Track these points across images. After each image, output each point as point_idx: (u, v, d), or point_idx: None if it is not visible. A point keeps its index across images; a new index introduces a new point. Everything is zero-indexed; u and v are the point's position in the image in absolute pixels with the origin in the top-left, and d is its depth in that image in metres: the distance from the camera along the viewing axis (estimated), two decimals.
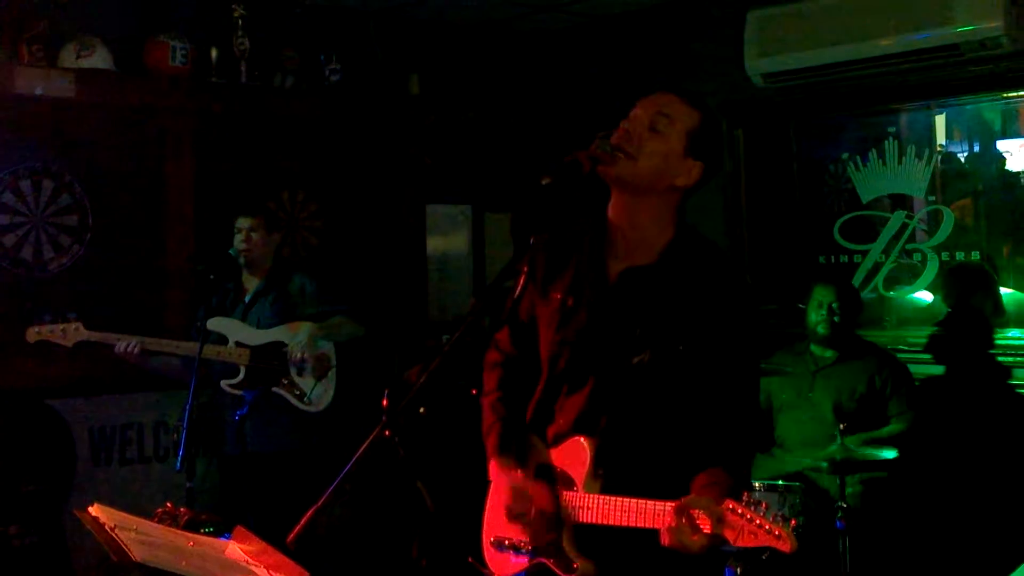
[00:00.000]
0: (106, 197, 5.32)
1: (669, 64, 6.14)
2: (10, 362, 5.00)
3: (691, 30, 6.04)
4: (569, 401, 2.56)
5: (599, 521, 2.42)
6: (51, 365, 5.10)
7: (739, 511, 2.16)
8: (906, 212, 5.31)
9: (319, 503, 2.27)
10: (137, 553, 2.02)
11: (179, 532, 2.46)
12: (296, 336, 4.79)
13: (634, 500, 2.36)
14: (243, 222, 4.92)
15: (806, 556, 4.28)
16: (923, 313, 5.25)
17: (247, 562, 2.26)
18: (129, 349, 4.58)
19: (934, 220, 5.22)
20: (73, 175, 5.24)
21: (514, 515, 2.56)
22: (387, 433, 2.26)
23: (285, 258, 5.08)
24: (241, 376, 4.75)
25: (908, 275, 5.30)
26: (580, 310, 2.56)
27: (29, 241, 5.15)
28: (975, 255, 5.09)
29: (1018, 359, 4.83)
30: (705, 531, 2.19)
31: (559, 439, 2.57)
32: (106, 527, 2.13)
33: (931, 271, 5.20)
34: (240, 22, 5.55)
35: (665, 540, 2.23)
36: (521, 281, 2.39)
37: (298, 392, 4.78)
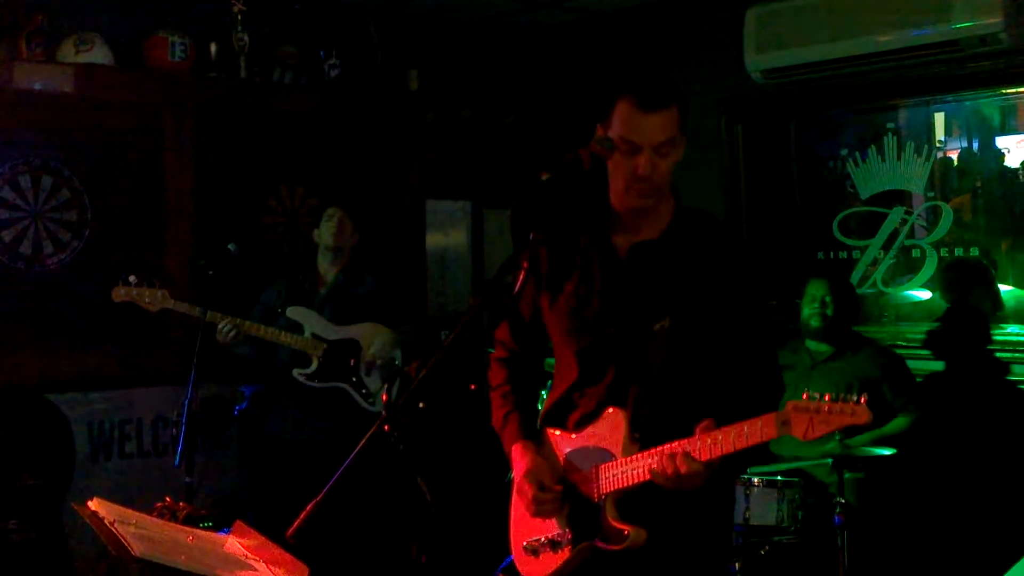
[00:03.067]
0: (105, 192, 5.32)
1: (668, 60, 6.14)
2: (10, 357, 5.00)
3: (690, 26, 6.04)
4: (592, 385, 2.62)
5: (644, 478, 2.44)
6: (50, 360, 5.12)
7: (802, 406, 2.25)
8: (905, 208, 5.32)
9: (318, 498, 2.27)
10: (136, 547, 2.02)
11: (178, 527, 2.46)
12: (375, 339, 4.94)
13: (673, 442, 2.40)
14: (335, 211, 5.10)
15: (804, 552, 4.28)
16: (922, 309, 5.25)
17: (246, 556, 2.27)
18: (227, 331, 4.68)
19: (933, 216, 5.23)
20: (72, 170, 5.24)
21: (543, 498, 2.58)
22: (387, 428, 2.26)
23: (359, 258, 5.19)
24: (313, 367, 4.86)
25: (907, 271, 5.30)
26: (593, 294, 2.63)
27: (28, 236, 5.14)
28: (974, 251, 5.09)
29: (1017, 355, 4.84)
30: (702, 459, 2.32)
31: (586, 420, 2.61)
32: (105, 521, 2.14)
33: (930, 267, 5.20)
34: (239, 17, 5.55)
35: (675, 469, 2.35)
36: (521, 277, 2.40)
37: (364, 391, 4.91)
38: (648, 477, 2.43)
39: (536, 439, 2.72)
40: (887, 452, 4.27)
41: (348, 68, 5.98)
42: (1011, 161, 5.09)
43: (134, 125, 5.39)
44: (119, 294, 4.67)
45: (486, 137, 6.57)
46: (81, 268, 5.24)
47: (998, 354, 4.89)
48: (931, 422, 4.72)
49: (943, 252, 5.16)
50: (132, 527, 2.16)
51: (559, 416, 2.69)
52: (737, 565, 4.19)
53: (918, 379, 4.83)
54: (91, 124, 5.27)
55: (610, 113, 2.61)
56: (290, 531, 2.25)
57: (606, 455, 2.53)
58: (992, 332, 4.92)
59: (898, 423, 4.58)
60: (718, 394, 2.51)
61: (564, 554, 2.58)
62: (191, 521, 2.62)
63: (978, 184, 5.19)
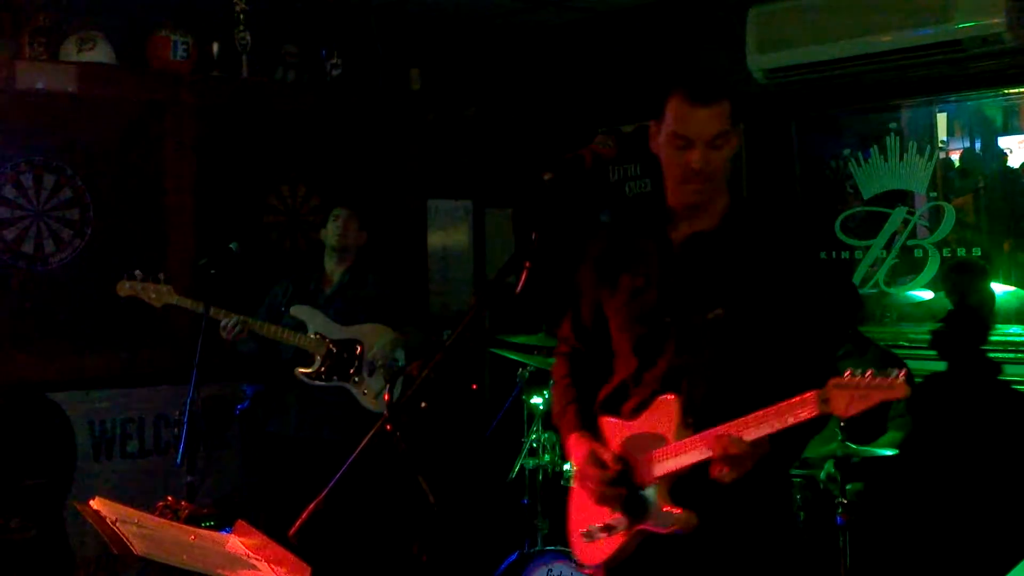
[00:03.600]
0: (107, 191, 5.32)
1: (670, 60, 6.13)
2: (11, 356, 5.01)
3: (693, 26, 6.04)
4: (647, 373, 2.68)
5: (695, 461, 2.48)
6: (52, 359, 5.12)
7: (843, 383, 2.27)
8: (907, 208, 5.31)
9: (320, 497, 2.27)
10: (138, 546, 2.02)
11: (180, 526, 2.47)
12: (378, 340, 4.94)
13: (725, 424, 2.44)
14: (341, 211, 5.09)
15: (806, 552, 4.28)
16: (924, 309, 5.25)
17: (248, 556, 2.27)
18: (229, 328, 4.68)
19: (935, 216, 5.22)
20: (74, 169, 5.24)
21: (599, 482, 2.63)
22: (389, 427, 2.26)
23: (365, 258, 5.19)
24: (316, 366, 4.88)
25: (909, 271, 5.30)
26: (650, 286, 2.70)
27: (30, 235, 5.15)
28: (976, 251, 5.09)
29: (1019, 355, 4.83)
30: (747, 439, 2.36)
31: (640, 408, 2.67)
32: (107, 520, 2.14)
33: (932, 267, 5.20)
34: (242, 17, 5.55)
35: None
36: (523, 277, 2.41)
37: (367, 391, 4.91)
38: (698, 460, 2.47)
39: (593, 430, 2.76)
40: (889, 452, 4.27)
41: (350, 67, 5.98)
42: (1013, 161, 5.09)
43: (136, 124, 5.39)
44: (124, 288, 4.67)
45: (487, 136, 6.57)
46: (83, 267, 5.24)
47: (999, 355, 4.89)
48: (933, 422, 4.72)
49: (945, 252, 5.16)
50: (134, 526, 2.16)
51: (614, 405, 2.75)
52: None
53: (917, 379, 4.82)
54: (93, 123, 5.27)
55: (663, 110, 2.66)
56: (292, 530, 2.25)
57: (660, 441, 2.57)
58: (993, 332, 4.91)
59: (891, 436, 4.56)
60: (771, 381, 2.50)
61: (619, 538, 2.63)
62: (193, 520, 2.62)
63: (980, 184, 5.18)
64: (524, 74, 6.75)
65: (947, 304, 5.08)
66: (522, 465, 4.83)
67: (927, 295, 5.26)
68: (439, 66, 6.39)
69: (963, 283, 5.06)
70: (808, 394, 2.32)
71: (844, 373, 2.30)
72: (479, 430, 5.24)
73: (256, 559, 2.26)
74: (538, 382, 4.92)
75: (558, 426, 2.88)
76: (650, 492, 2.57)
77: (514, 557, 4.69)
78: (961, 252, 5.12)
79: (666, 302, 2.66)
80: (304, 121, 5.89)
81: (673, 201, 2.70)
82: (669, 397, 2.59)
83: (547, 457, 4.83)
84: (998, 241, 5.09)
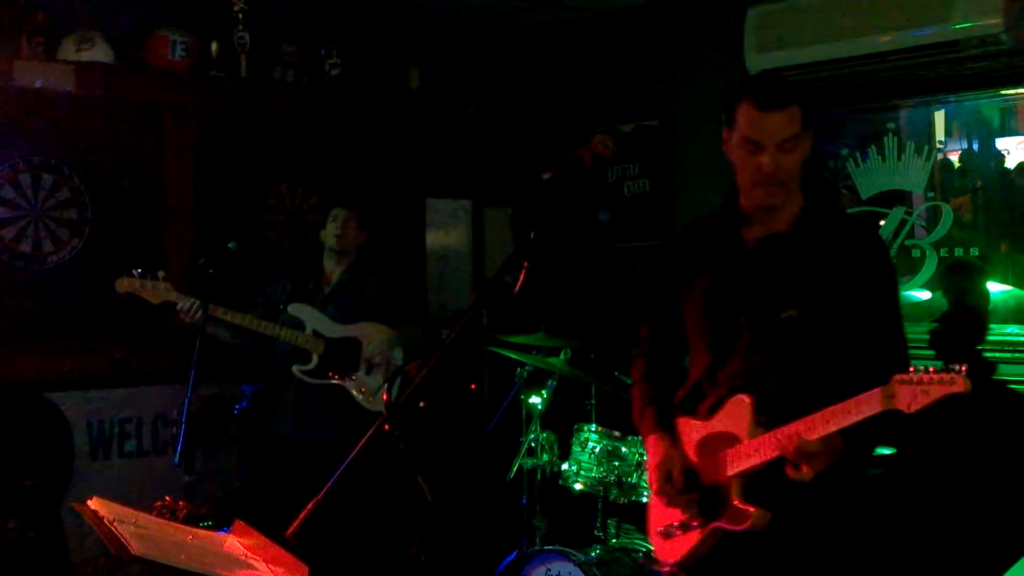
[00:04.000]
0: (105, 191, 5.31)
1: (669, 60, 6.14)
2: (9, 356, 5.00)
3: (691, 26, 6.04)
4: (721, 373, 2.75)
5: (767, 458, 2.54)
6: (50, 359, 5.11)
7: (907, 378, 2.34)
8: (905, 208, 5.32)
9: (318, 497, 2.27)
10: (136, 546, 2.02)
11: (178, 526, 2.47)
12: (374, 342, 4.96)
13: (794, 422, 2.49)
14: (339, 212, 5.12)
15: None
16: (922, 309, 5.25)
17: (246, 556, 2.27)
18: (187, 309, 4.67)
19: (933, 216, 5.23)
20: (73, 169, 5.24)
21: (669, 491, 2.73)
22: (387, 427, 2.27)
23: (365, 258, 5.23)
24: (314, 364, 4.90)
25: (907, 271, 5.30)
26: (725, 287, 2.78)
27: (28, 235, 5.14)
28: (974, 251, 5.09)
29: (1017, 355, 4.84)
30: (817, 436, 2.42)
31: (715, 407, 2.74)
32: (105, 520, 2.13)
33: (930, 267, 5.20)
34: (240, 16, 5.54)
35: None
36: (522, 277, 2.41)
37: (364, 389, 4.93)
38: (770, 458, 2.53)
39: (671, 431, 2.84)
40: (887, 451, 4.27)
41: (349, 67, 5.98)
42: (1011, 162, 5.09)
43: (135, 123, 5.38)
44: (123, 285, 4.69)
45: (487, 136, 6.57)
46: (81, 266, 5.24)
47: (996, 354, 4.89)
48: (930, 422, 4.71)
49: (943, 252, 5.16)
50: (132, 526, 2.16)
51: (691, 405, 2.82)
52: None
53: None
54: (92, 122, 5.27)
55: (733, 116, 2.76)
56: (290, 530, 2.25)
57: (733, 440, 2.65)
58: (991, 332, 4.91)
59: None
60: (844, 380, 2.53)
61: (695, 536, 2.71)
62: (191, 520, 2.62)
63: (978, 184, 5.19)
64: (523, 74, 6.75)
65: (944, 304, 5.08)
66: (520, 465, 4.83)
67: (925, 295, 5.26)
68: (438, 66, 6.39)
69: (960, 283, 5.06)
70: (874, 391, 2.37)
71: (908, 370, 2.35)
72: (477, 430, 5.24)
73: (254, 559, 2.26)
74: (536, 382, 4.93)
75: (638, 427, 2.97)
76: (724, 490, 2.63)
77: (513, 557, 4.69)
78: (959, 252, 5.13)
79: (740, 302, 2.73)
80: (303, 120, 5.89)
81: (746, 204, 2.78)
82: (743, 397, 2.65)
83: (545, 457, 4.84)
84: (995, 241, 5.09)
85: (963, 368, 2.30)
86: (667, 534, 2.79)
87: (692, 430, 2.79)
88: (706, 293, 2.81)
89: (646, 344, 3.04)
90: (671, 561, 2.81)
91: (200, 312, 4.63)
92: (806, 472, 2.47)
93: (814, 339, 2.63)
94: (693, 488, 2.71)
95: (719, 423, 2.71)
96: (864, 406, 2.38)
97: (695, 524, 2.70)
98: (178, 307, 4.69)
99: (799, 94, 2.73)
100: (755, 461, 2.57)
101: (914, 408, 2.33)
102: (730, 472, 2.63)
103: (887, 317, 2.70)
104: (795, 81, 5.36)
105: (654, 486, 2.77)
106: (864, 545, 2.77)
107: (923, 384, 2.33)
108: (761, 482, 2.59)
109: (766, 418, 2.59)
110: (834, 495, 2.64)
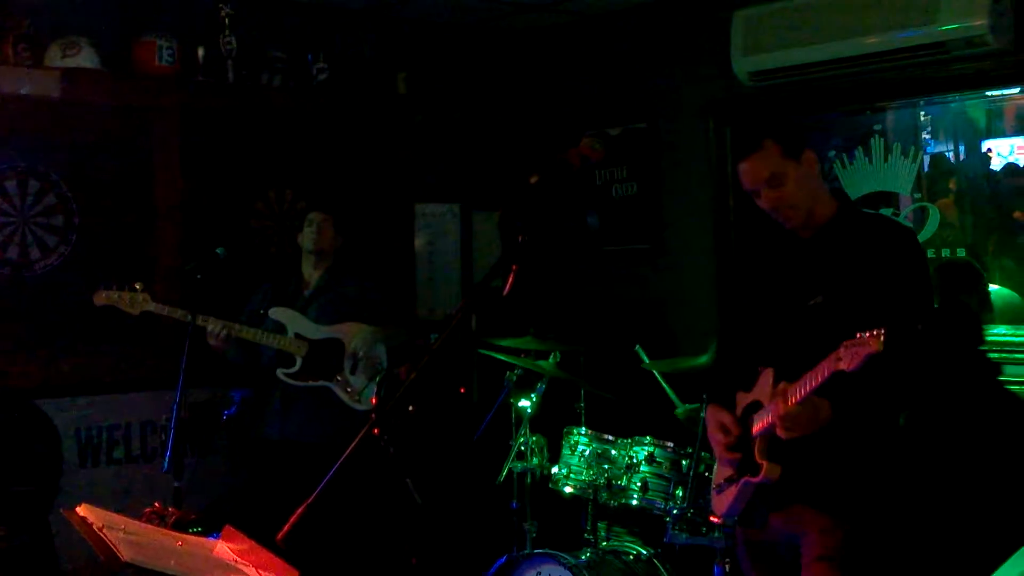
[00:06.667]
0: (93, 197, 5.30)
1: (656, 63, 6.15)
2: None
3: (678, 29, 6.05)
4: (767, 353, 3.19)
5: (782, 412, 2.94)
6: (38, 365, 5.10)
7: (849, 343, 2.72)
8: (892, 209, 5.33)
9: (308, 501, 2.27)
10: (125, 553, 2.02)
11: (167, 532, 2.46)
12: (356, 337, 4.96)
13: (783, 384, 2.98)
14: (316, 216, 5.14)
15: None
16: None
17: (236, 561, 2.27)
18: (217, 333, 4.71)
19: (920, 217, 5.25)
20: (59, 175, 5.22)
21: (721, 445, 3.22)
22: (376, 431, 2.26)
23: (343, 261, 5.23)
24: (297, 367, 4.90)
25: None
26: (773, 285, 3.28)
27: (15, 241, 5.13)
28: (960, 252, 5.11)
29: (1004, 355, 4.85)
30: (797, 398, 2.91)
31: (755, 380, 3.19)
32: (94, 527, 2.13)
33: None
34: (227, 21, 5.54)
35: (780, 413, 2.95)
36: (511, 280, 2.41)
37: (350, 389, 4.94)
38: (781, 412, 2.95)
39: (726, 404, 3.27)
40: None
41: (336, 72, 5.98)
42: (996, 162, 5.11)
43: (121, 129, 5.37)
44: (100, 298, 4.68)
45: (474, 140, 6.57)
46: (68, 273, 5.22)
47: (987, 355, 4.90)
48: (922, 423, 4.73)
49: (930, 253, 5.17)
50: (121, 532, 2.15)
51: (747, 382, 3.23)
52: (727, 567, 4.20)
53: None
54: (78, 128, 5.25)
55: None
56: (280, 535, 2.25)
57: (760, 406, 3.10)
58: (984, 333, 4.92)
59: None
60: None
61: (734, 490, 3.16)
62: (180, 526, 2.62)
63: (964, 186, 5.21)
64: (511, 77, 6.75)
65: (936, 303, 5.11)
66: (510, 468, 4.83)
67: None
68: (426, 70, 6.39)
69: (947, 283, 5.08)
70: (833, 352, 2.76)
71: (855, 334, 2.71)
72: (467, 433, 5.23)
73: (244, 564, 2.26)
74: (526, 385, 4.92)
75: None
76: (752, 449, 3.08)
77: (503, 560, 4.69)
78: (946, 253, 5.14)
79: (780, 295, 3.21)
80: (290, 126, 5.88)
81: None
82: (768, 370, 3.10)
83: (535, 460, 4.83)
84: (982, 242, 5.11)
85: (881, 331, 2.65)
86: (720, 489, 3.24)
87: (741, 400, 3.23)
88: (763, 288, 3.30)
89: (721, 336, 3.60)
90: (720, 513, 3.29)
91: (226, 333, 4.70)
92: (787, 431, 2.92)
93: (835, 321, 2.96)
94: (738, 448, 3.15)
95: (753, 393, 3.16)
96: (823, 368, 2.80)
97: (735, 478, 3.14)
98: (208, 331, 4.71)
99: (774, 129, 3.14)
100: (766, 422, 3.01)
101: (851, 367, 2.69)
102: (754, 433, 3.07)
103: (907, 304, 3.00)
104: (788, 83, 5.41)
105: (714, 444, 3.27)
106: (866, 501, 3.13)
107: (856, 346, 2.69)
108: (780, 441, 2.99)
109: (783, 385, 2.98)
110: (835, 454, 3.03)
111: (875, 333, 2.65)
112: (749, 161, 3.11)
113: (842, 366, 2.72)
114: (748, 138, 3.15)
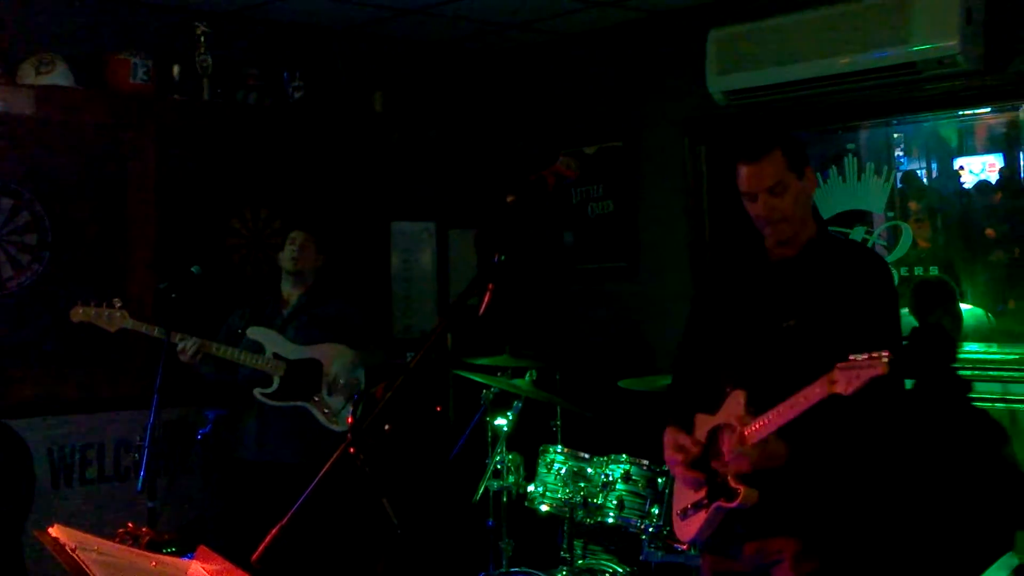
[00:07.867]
0: (66, 215, 5.27)
1: (632, 82, 6.18)
2: None
3: (653, 48, 6.09)
4: (733, 375, 3.07)
5: (756, 439, 2.88)
6: (10, 384, 5.05)
7: (845, 365, 2.64)
8: (866, 228, 5.38)
9: (283, 521, 2.26)
10: (99, 574, 2.00)
11: (141, 552, 2.44)
12: (336, 362, 4.96)
13: (775, 407, 2.83)
14: (297, 235, 5.13)
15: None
16: None
17: None
18: (187, 349, 4.69)
19: (893, 236, 5.29)
20: (33, 193, 5.19)
21: (680, 465, 3.10)
22: (352, 450, 2.26)
23: (325, 280, 5.23)
24: (275, 386, 4.88)
25: None
26: (744, 302, 3.17)
27: None
28: (933, 270, 5.15)
29: (975, 372, 4.89)
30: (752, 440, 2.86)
31: (721, 401, 3.07)
32: (67, 548, 2.11)
33: None
34: (202, 39, 5.53)
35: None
36: (487, 299, 2.42)
37: (327, 410, 4.93)
38: (756, 439, 2.88)
39: (684, 425, 3.17)
40: None
41: (312, 90, 5.98)
42: (968, 181, 5.16)
43: (96, 147, 5.35)
44: (77, 314, 4.66)
45: (450, 158, 6.58)
46: (41, 291, 5.18)
47: (959, 372, 4.94)
48: (898, 440, 4.75)
49: (903, 271, 5.22)
50: (94, 553, 2.13)
51: (709, 404, 3.13)
52: None
53: None
54: (52, 146, 5.23)
55: (736, 176, 3.11)
56: (255, 555, 2.24)
57: (732, 428, 2.97)
58: (957, 351, 4.96)
59: None
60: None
61: (703, 515, 3.04)
62: (154, 546, 2.60)
63: (936, 204, 5.26)
64: (487, 96, 6.78)
65: (912, 321, 5.14)
66: (486, 486, 4.82)
67: None
68: (402, 88, 6.40)
69: (922, 302, 5.11)
70: (821, 379, 2.68)
71: (848, 356, 2.63)
72: (443, 452, 5.23)
73: None
74: (502, 403, 4.92)
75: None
76: (723, 473, 2.97)
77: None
78: (919, 271, 5.18)
79: (750, 316, 3.12)
80: (266, 144, 5.87)
81: (767, 242, 3.16)
82: (738, 392, 3.00)
83: (511, 478, 4.83)
84: (954, 260, 5.15)
85: (886, 353, 2.58)
86: (684, 515, 3.13)
87: (703, 423, 3.12)
88: (729, 308, 3.20)
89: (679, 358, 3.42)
90: (686, 539, 3.19)
91: (195, 348, 4.67)
92: (733, 469, 2.89)
93: (808, 344, 2.94)
94: (702, 470, 3.04)
95: (721, 415, 3.05)
96: (811, 392, 2.71)
97: (704, 503, 3.02)
98: (179, 347, 4.68)
99: (783, 139, 3.12)
100: (753, 442, 2.90)
101: (850, 390, 2.61)
102: (726, 457, 2.96)
103: (880, 331, 2.92)
104: (762, 102, 5.45)
105: (673, 465, 3.13)
106: (850, 534, 3.08)
107: (856, 368, 2.60)
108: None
109: (755, 409, 2.90)
110: (817, 479, 2.96)
111: (877, 355, 2.58)
112: (756, 165, 3.04)
113: (838, 389, 2.64)
114: (756, 142, 3.09)
